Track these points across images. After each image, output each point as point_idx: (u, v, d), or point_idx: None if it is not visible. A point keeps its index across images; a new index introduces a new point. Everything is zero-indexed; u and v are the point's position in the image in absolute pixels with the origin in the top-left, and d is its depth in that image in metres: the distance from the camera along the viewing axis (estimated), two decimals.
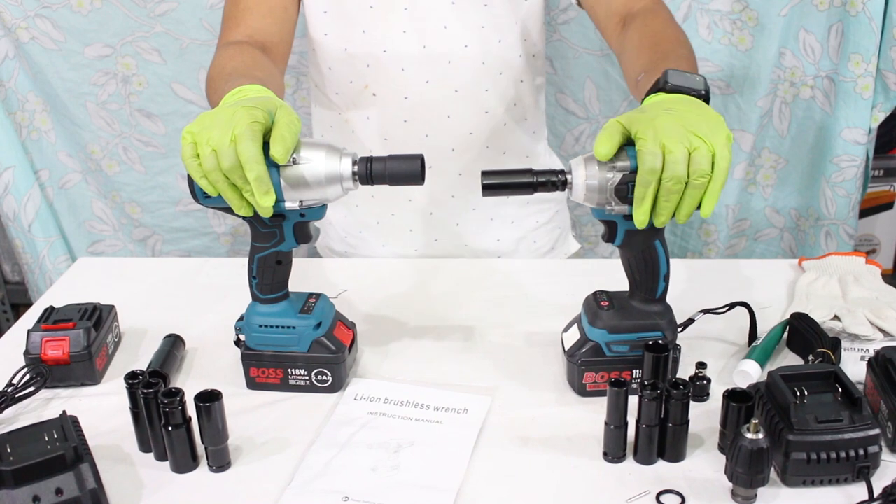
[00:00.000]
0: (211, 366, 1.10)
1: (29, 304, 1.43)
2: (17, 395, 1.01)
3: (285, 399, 1.03)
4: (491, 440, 0.95)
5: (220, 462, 0.91)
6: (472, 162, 1.39)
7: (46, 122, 2.00)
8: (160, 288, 1.32)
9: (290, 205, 0.93)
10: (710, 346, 1.11)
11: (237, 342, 1.04)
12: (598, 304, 0.99)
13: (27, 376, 1.02)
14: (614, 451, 0.90)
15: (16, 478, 0.78)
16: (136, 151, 2.05)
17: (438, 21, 1.29)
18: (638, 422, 0.88)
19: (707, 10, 1.83)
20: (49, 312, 1.10)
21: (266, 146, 0.88)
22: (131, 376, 0.92)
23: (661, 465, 0.90)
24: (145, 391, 0.89)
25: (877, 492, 0.82)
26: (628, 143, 0.90)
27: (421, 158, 0.94)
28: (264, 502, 0.86)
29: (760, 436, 0.80)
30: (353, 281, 1.31)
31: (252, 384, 1.04)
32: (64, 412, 0.88)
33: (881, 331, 1.06)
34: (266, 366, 1.03)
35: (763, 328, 1.10)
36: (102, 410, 1.01)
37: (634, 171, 0.88)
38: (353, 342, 1.07)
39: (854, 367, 1.01)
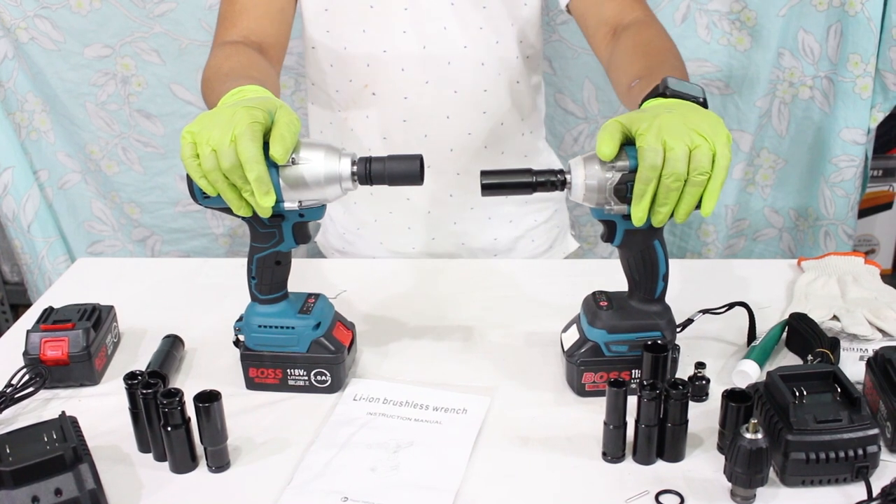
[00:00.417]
0: (210, 366, 1.10)
1: (28, 305, 1.43)
2: (16, 396, 1.00)
3: (284, 399, 1.03)
4: (490, 440, 0.95)
5: (220, 462, 0.91)
6: (470, 162, 1.39)
7: (46, 123, 2.00)
8: (159, 288, 1.32)
9: (289, 205, 0.93)
10: (709, 346, 1.11)
11: (236, 342, 1.04)
12: (598, 304, 0.99)
13: (26, 377, 1.02)
14: (613, 451, 0.90)
15: (15, 478, 0.78)
16: (135, 152, 2.05)
17: (438, 22, 1.30)
18: (637, 422, 0.88)
19: (706, 11, 1.83)
20: (48, 313, 1.10)
21: (266, 146, 0.88)
22: (130, 377, 0.92)
23: (661, 465, 0.90)
24: (144, 391, 0.89)
25: (875, 491, 0.82)
26: (627, 144, 0.90)
27: (420, 159, 0.94)
28: (263, 502, 0.86)
29: (759, 436, 0.80)
30: (353, 281, 1.31)
31: (251, 384, 1.04)
32: (63, 413, 0.88)
33: (880, 331, 1.06)
34: (265, 366, 1.03)
35: (762, 328, 1.10)
36: (102, 411, 1.01)
37: (634, 170, 0.88)
38: (352, 342, 1.07)
39: (853, 367, 1.02)
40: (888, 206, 2.34)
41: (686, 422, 0.89)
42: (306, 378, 1.03)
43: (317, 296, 1.05)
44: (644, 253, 0.95)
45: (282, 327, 1.00)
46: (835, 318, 1.09)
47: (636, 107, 0.99)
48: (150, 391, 0.88)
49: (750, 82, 1.88)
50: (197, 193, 0.94)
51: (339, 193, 0.93)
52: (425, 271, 1.36)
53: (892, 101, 1.82)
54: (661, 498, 0.85)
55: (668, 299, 0.99)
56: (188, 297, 1.29)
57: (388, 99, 1.35)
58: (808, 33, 1.81)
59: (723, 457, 0.85)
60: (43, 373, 1.02)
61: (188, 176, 0.93)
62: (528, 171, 0.93)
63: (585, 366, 0.99)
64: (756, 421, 0.80)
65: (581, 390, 1.01)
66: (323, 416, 0.99)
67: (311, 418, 0.99)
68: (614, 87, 1.19)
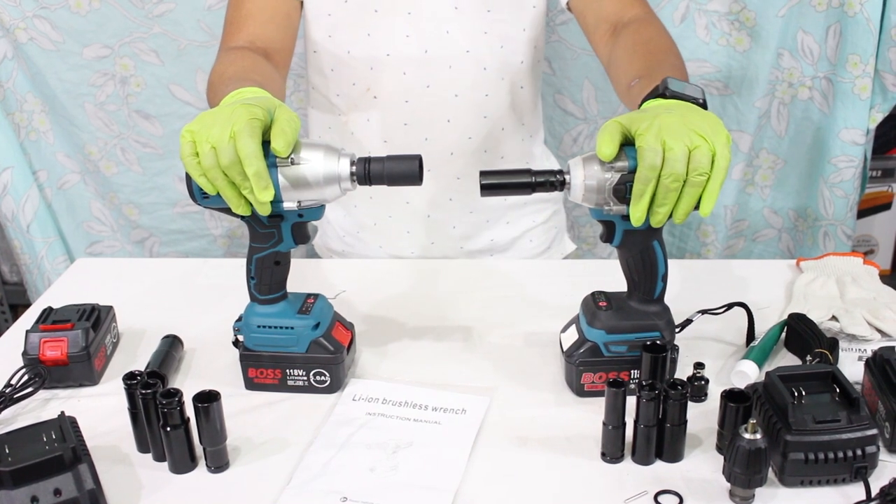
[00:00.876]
0: (209, 366, 1.10)
1: (27, 305, 1.43)
2: (15, 396, 1.00)
3: (284, 399, 1.03)
4: (489, 440, 0.95)
5: (219, 462, 0.91)
6: (470, 166, 1.39)
7: (45, 123, 2.00)
8: (158, 288, 1.32)
9: (288, 205, 0.93)
10: (708, 346, 1.11)
11: (235, 343, 1.04)
12: (597, 305, 0.99)
13: (25, 377, 1.02)
14: (612, 452, 0.90)
15: (14, 478, 0.78)
16: (133, 153, 2.05)
17: (441, 26, 1.30)
18: (636, 422, 0.88)
19: (705, 11, 1.83)
20: (47, 313, 1.10)
21: (265, 145, 0.89)
22: (130, 377, 0.92)
23: (659, 465, 0.90)
24: (144, 392, 0.89)
25: (874, 492, 0.82)
26: (627, 144, 0.90)
27: (419, 159, 0.94)
28: (263, 503, 0.86)
29: (758, 436, 0.80)
30: (352, 281, 1.31)
31: (250, 385, 1.04)
32: (62, 413, 0.88)
33: (879, 331, 1.06)
34: (264, 366, 1.03)
35: (761, 328, 1.10)
36: (101, 411, 1.01)
37: (633, 171, 0.88)
38: (351, 343, 1.07)
39: (852, 367, 1.02)
40: (887, 207, 2.34)
41: (685, 422, 0.89)
42: (305, 378, 1.03)
43: (316, 296, 1.05)
44: (643, 253, 0.95)
45: (281, 327, 1.00)
46: (834, 318, 1.10)
47: (636, 106, 0.99)
48: (149, 391, 0.88)
49: (749, 83, 1.88)
50: (196, 193, 0.94)
51: (339, 193, 0.93)
52: (424, 271, 1.36)
53: (891, 102, 1.82)
54: (660, 498, 0.85)
55: (667, 300, 0.99)
56: (187, 297, 1.29)
57: (390, 102, 1.35)
58: (808, 34, 1.81)
59: (722, 457, 0.85)
60: (42, 373, 1.03)
61: (187, 176, 0.93)
62: (528, 172, 0.93)
63: (584, 366, 0.99)
64: (755, 421, 0.80)
65: (580, 390, 1.01)
66: (322, 416, 0.99)
67: (311, 418, 0.99)
68: (614, 86, 1.19)
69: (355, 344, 1.10)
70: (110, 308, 1.15)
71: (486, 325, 1.18)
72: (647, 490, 0.86)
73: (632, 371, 0.99)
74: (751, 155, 1.98)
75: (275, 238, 0.97)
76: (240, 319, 1.03)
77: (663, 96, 0.94)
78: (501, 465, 0.91)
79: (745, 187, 2.03)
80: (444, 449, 0.93)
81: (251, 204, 0.91)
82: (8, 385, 1.01)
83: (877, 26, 1.72)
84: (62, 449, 0.81)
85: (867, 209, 2.31)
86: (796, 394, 0.85)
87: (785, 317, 1.11)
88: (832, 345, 1.02)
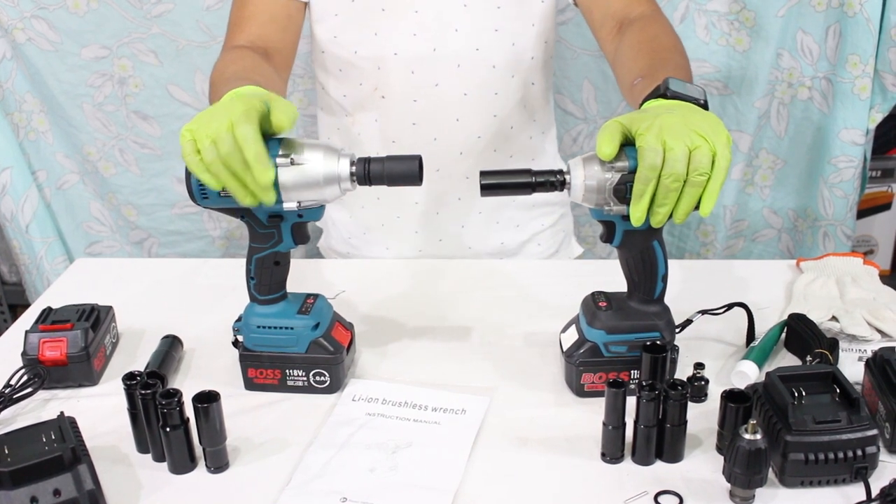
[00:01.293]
0: (209, 366, 1.10)
1: (26, 305, 1.43)
2: (14, 396, 1.00)
3: (283, 400, 1.03)
4: (489, 441, 0.95)
5: (219, 463, 0.91)
6: (479, 165, 1.38)
7: (44, 123, 2.00)
8: (158, 289, 1.32)
9: (288, 205, 0.93)
10: (708, 346, 1.11)
11: (235, 343, 1.04)
12: (597, 305, 0.99)
13: (25, 377, 1.02)
14: (612, 452, 0.90)
15: (13, 479, 0.78)
16: (132, 153, 2.05)
17: (449, 23, 1.29)
18: (636, 422, 0.88)
19: (705, 11, 1.83)
20: (47, 313, 1.10)
21: (267, 143, 0.88)
22: (129, 377, 0.92)
23: (659, 465, 0.90)
24: (143, 392, 0.89)
25: (874, 492, 0.82)
26: (627, 144, 0.90)
27: (419, 159, 0.94)
28: (262, 503, 0.86)
29: (758, 436, 0.80)
30: (352, 281, 1.31)
31: (250, 385, 1.04)
32: (62, 413, 0.88)
33: (879, 331, 1.06)
34: (264, 366, 1.02)
35: (761, 329, 1.10)
36: (100, 411, 1.01)
37: (633, 171, 0.88)
38: (351, 343, 1.07)
39: (852, 367, 1.02)
40: (887, 207, 2.34)
41: (685, 422, 0.89)
42: (305, 378, 1.02)
43: (315, 296, 1.04)
44: (643, 253, 0.95)
45: (281, 328, 1.00)
46: (834, 318, 1.10)
47: (638, 105, 0.99)
48: (148, 392, 0.88)
49: (749, 83, 1.88)
50: (196, 193, 0.94)
51: (339, 194, 0.93)
52: (424, 272, 1.36)
53: (890, 102, 1.82)
54: (660, 498, 0.85)
55: (667, 300, 0.99)
56: (187, 297, 1.29)
57: (397, 102, 1.34)
58: (807, 34, 1.81)
59: (722, 457, 0.85)
60: (41, 373, 1.02)
61: (187, 176, 0.93)
62: (528, 172, 0.93)
63: (584, 366, 0.99)
64: (755, 422, 0.80)
65: (580, 391, 1.01)
66: (322, 416, 0.99)
67: (310, 419, 0.99)
68: (619, 84, 1.19)
69: (355, 344, 1.09)
70: (110, 308, 1.15)
71: (486, 325, 1.18)
72: (647, 490, 0.86)
73: (632, 371, 0.99)
74: (750, 155, 1.98)
75: (274, 238, 0.97)
76: (239, 320, 1.03)
77: (664, 96, 0.94)
78: (501, 465, 0.91)
79: (745, 187, 2.03)
80: (443, 449, 0.93)
81: (256, 195, 0.91)
82: (7, 385, 1.01)
83: (876, 26, 1.72)
84: (62, 449, 0.81)
85: (867, 209, 2.31)
86: (796, 394, 0.85)
87: (785, 317, 1.10)
88: (832, 345, 1.01)
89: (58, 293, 1.30)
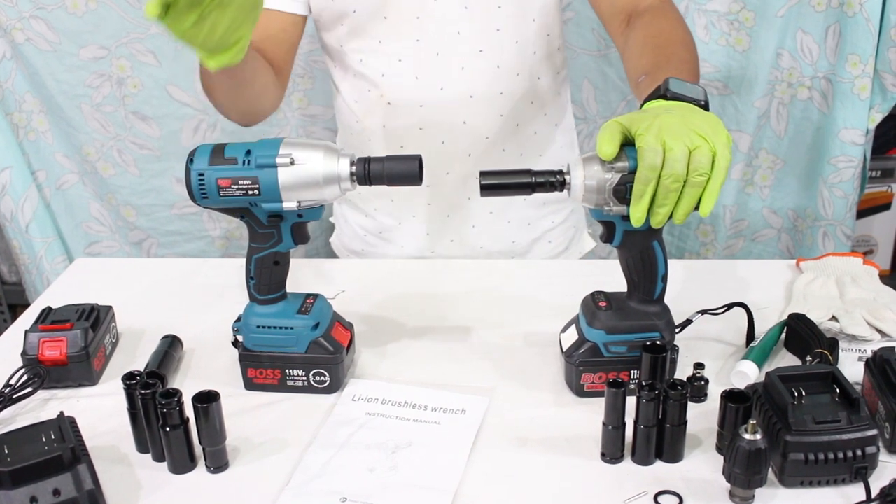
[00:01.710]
0: (209, 366, 1.10)
1: (26, 305, 1.43)
2: (14, 396, 1.00)
3: (283, 400, 1.03)
4: (489, 441, 0.95)
5: (218, 463, 0.91)
6: (488, 165, 1.37)
7: (44, 123, 2.00)
8: (158, 288, 1.32)
9: (287, 205, 0.93)
10: (707, 346, 1.11)
11: (235, 343, 1.04)
12: (597, 305, 0.99)
13: (25, 377, 1.02)
14: (612, 452, 0.90)
15: (13, 478, 0.78)
16: (130, 154, 2.05)
17: (452, 27, 1.29)
18: (636, 422, 0.88)
19: (704, 11, 1.83)
20: (46, 313, 1.10)
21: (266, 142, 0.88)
22: (129, 377, 0.92)
23: (659, 465, 0.90)
24: (143, 392, 0.89)
25: (874, 492, 0.82)
26: (627, 145, 0.90)
27: (419, 159, 0.94)
28: (262, 503, 0.86)
29: (758, 436, 0.80)
30: (351, 281, 1.31)
31: (250, 385, 1.04)
32: (61, 413, 0.88)
33: (879, 331, 1.06)
34: (264, 366, 1.02)
35: (761, 329, 1.10)
36: (100, 411, 1.01)
37: (633, 171, 0.88)
38: (350, 343, 1.07)
39: (851, 367, 1.02)
40: (886, 207, 2.34)
41: (685, 422, 0.88)
42: (305, 378, 1.02)
43: (315, 296, 1.04)
44: (643, 254, 0.95)
45: (281, 328, 1.00)
46: (833, 318, 1.09)
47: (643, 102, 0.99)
48: (148, 391, 0.88)
49: (748, 83, 1.88)
50: (196, 193, 0.94)
51: (338, 193, 0.93)
52: (424, 272, 1.36)
53: (890, 102, 1.82)
54: (660, 498, 0.85)
55: (667, 300, 0.99)
56: (187, 297, 1.29)
57: (404, 107, 1.34)
58: (807, 34, 1.81)
59: (721, 457, 0.85)
60: (41, 373, 1.02)
61: (187, 176, 0.93)
62: (528, 172, 0.93)
63: (584, 366, 0.99)
64: (755, 422, 0.80)
65: (580, 391, 1.01)
66: (321, 416, 0.99)
67: (310, 419, 0.99)
68: (628, 78, 1.19)
69: (354, 344, 1.09)
70: (109, 308, 1.15)
71: (486, 325, 1.18)
72: (646, 490, 0.86)
73: (632, 371, 0.99)
74: (750, 155, 1.98)
75: (274, 238, 0.97)
76: (238, 320, 1.03)
77: (664, 97, 0.94)
78: (501, 465, 0.91)
79: (745, 187, 2.03)
80: (443, 449, 0.93)
81: None
82: (7, 385, 1.01)
83: (876, 26, 1.73)
84: (61, 449, 0.81)
85: (866, 209, 2.31)
86: (796, 394, 0.85)
87: (785, 317, 1.10)
88: (832, 345, 1.01)
89: (57, 293, 1.30)
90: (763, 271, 1.32)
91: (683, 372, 1.03)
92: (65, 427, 0.85)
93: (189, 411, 0.89)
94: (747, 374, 1.01)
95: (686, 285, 1.25)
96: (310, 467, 0.91)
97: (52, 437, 0.83)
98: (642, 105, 0.97)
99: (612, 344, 0.98)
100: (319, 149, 0.92)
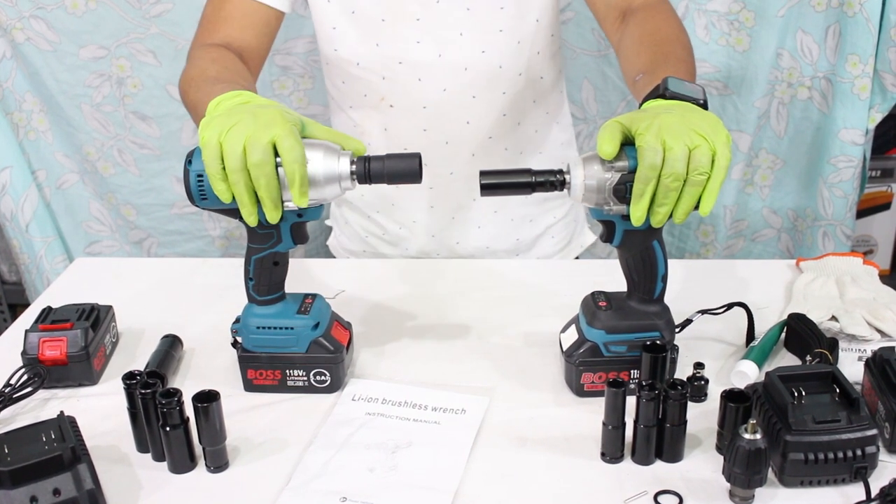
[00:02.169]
0: (209, 366, 1.10)
1: (26, 305, 1.43)
2: (14, 396, 1.00)
3: (283, 399, 1.03)
4: (489, 440, 0.95)
5: (218, 462, 0.91)
6: (492, 165, 1.37)
7: (44, 123, 2.00)
8: (158, 288, 1.32)
9: (288, 205, 0.92)
10: (707, 346, 1.11)
11: (234, 344, 1.04)
12: (596, 305, 0.99)
13: (25, 376, 1.02)
14: (612, 452, 0.90)
15: (13, 478, 0.78)
16: (130, 154, 2.05)
17: (454, 28, 1.28)
18: (636, 422, 0.88)
19: (704, 11, 1.83)
20: (46, 313, 1.10)
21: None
22: (129, 377, 0.92)
23: (659, 465, 0.90)
24: (143, 391, 0.89)
25: (874, 492, 0.82)
26: (627, 144, 0.90)
27: (419, 157, 0.94)
28: (262, 503, 0.86)
29: (758, 436, 0.80)
30: (351, 282, 1.31)
31: (250, 386, 1.04)
32: (62, 412, 0.88)
33: (878, 331, 1.06)
34: (264, 367, 1.02)
35: (761, 329, 1.10)
36: (100, 411, 1.01)
37: (633, 170, 0.88)
38: (349, 342, 1.07)
39: (851, 367, 1.02)
40: (886, 207, 2.34)
41: (685, 422, 0.89)
42: (305, 378, 1.02)
43: (314, 296, 1.04)
44: (643, 253, 0.95)
45: (280, 328, 1.00)
46: (833, 318, 1.09)
47: (640, 101, 0.99)
48: (148, 391, 0.88)
49: (748, 83, 1.88)
50: (195, 194, 0.93)
51: (339, 193, 0.93)
52: (424, 272, 1.36)
53: (890, 102, 1.82)
54: (660, 498, 0.85)
55: (667, 300, 0.99)
56: (187, 296, 1.29)
57: (406, 109, 1.34)
58: (807, 34, 1.81)
59: (721, 457, 0.85)
60: (41, 373, 1.02)
61: (185, 176, 0.92)
62: (528, 172, 0.93)
63: (584, 366, 0.99)
64: (755, 421, 0.80)
65: (580, 391, 1.01)
66: (321, 416, 0.99)
67: (310, 418, 0.99)
68: (623, 76, 1.19)
69: (353, 344, 1.09)
70: (109, 308, 1.15)
71: (486, 325, 1.18)
72: (646, 490, 0.86)
73: (632, 371, 0.99)
74: (750, 155, 1.98)
75: (273, 238, 0.97)
76: (237, 321, 1.03)
77: (663, 96, 0.94)
78: (501, 465, 0.91)
79: (745, 187, 2.03)
80: (443, 449, 0.93)
81: (269, 215, 0.91)
82: (7, 385, 1.01)
83: (876, 26, 1.73)
84: (61, 449, 0.81)
85: (866, 209, 2.31)
86: (796, 394, 0.85)
87: (785, 317, 1.10)
88: (832, 345, 1.02)
89: (57, 293, 1.30)
90: (763, 271, 1.32)
91: (683, 372, 1.03)
92: (65, 427, 0.85)
93: (189, 411, 0.89)
94: (747, 374, 1.01)
95: (686, 285, 1.25)
96: (310, 467, 0.91)
97: (52, 436, 0.83)
98: (641, 104, 0.97)
99: (612, 344, 0.98)
100: (319, 148, 0.91)
